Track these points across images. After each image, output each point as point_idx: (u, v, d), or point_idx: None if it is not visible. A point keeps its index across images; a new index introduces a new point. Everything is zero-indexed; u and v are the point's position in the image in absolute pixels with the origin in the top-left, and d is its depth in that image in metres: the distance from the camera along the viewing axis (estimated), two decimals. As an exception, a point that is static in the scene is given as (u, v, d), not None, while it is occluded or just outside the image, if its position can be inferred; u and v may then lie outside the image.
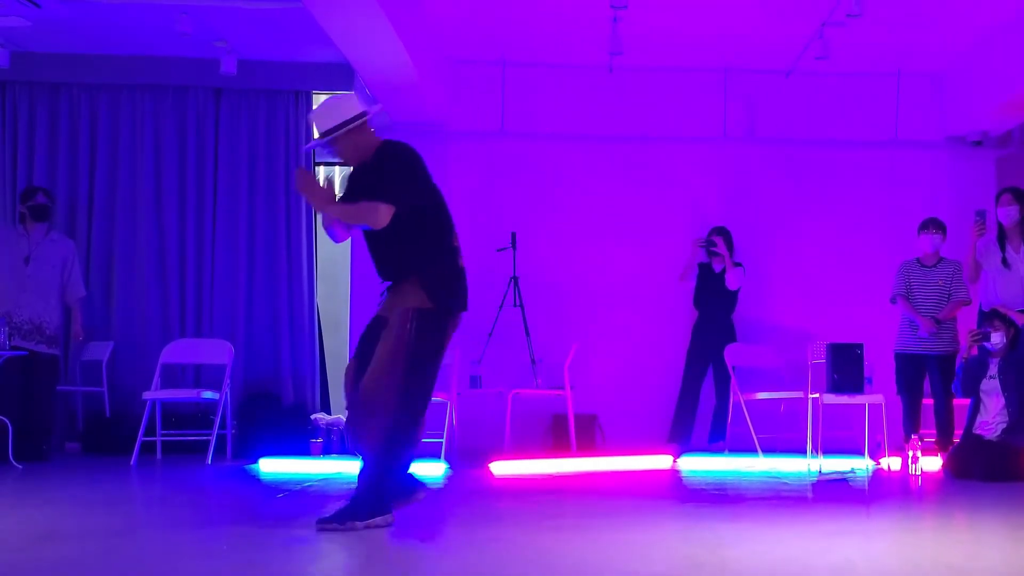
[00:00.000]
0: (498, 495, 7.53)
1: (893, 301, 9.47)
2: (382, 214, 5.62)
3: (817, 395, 9.20)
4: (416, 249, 5.75)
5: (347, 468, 8.28)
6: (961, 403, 9.06)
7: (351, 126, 5.76)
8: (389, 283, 5.89)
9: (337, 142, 5.79)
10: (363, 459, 5.71)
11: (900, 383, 9.42)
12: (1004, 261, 8.98)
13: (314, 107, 10.76)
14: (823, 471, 8.95)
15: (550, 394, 9.84)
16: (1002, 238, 9.06)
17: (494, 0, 9.44)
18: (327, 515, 5.69)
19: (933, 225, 9.43)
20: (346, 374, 5.89)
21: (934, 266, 9.37)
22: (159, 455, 9.66)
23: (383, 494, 5.72)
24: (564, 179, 10.90)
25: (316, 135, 5.87)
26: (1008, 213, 9.02)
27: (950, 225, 9.72)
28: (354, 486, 5.83)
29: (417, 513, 6.23)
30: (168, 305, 10.62)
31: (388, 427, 5.61)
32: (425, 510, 6.31)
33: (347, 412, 5.85)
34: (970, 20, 9.52)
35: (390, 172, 5.73)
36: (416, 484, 5.96)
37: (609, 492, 7.77)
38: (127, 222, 10.67)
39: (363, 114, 5.80)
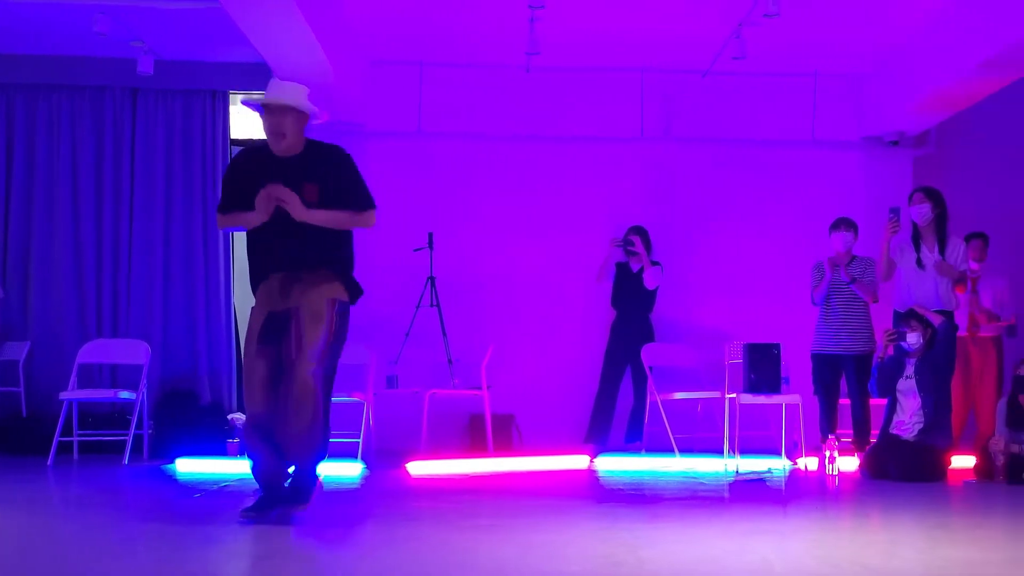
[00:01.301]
0: (415, 495, 7.49)
1: (814, 302, 9.49)
2: (372, 218, 6.03)
3: (734, 395, 9.22)
4: (345, 245, 6.04)
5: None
6: (878, 403, 9.12)
7: (304, 110, 5.92)
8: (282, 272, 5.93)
9: (286, 114, 5.87)
10: (304, 446, 5.74)
11: (817, 383, 9.46)
12: (919, 262, 9.04)
13: (231, 107, 10.71)
14: (740, 471, 8.97)
15: (467, 394, 9.78)
16: (916, 238, 9.12)
17: (412, 0, 9.37)
18: (249, 505, 5.85)
19: (844, 224, 9.48)
20: (254, 372, 5.82)
21: (847, 265, 9.41)
22: (76, 455, 9.61)
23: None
24: (481, 179, 10.85)
25: (275, 97, 5.89)
26: (921, 212, 9.07)
27: (868, 225, 9.80)
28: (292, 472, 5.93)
29: (334, 513, 6.21)
30: (85, 305, 10.56)
31: (324, 413, 5.80)
32: (342, 510, 6.23)
33: (260, 408, 5.76)
34: (887, 22, 9.59)
35: (353, 175, 6.00)
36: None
37: (526, 492, 7.74)
38: (44, 222, 10.59)
39: (308, 112, 5.99)
